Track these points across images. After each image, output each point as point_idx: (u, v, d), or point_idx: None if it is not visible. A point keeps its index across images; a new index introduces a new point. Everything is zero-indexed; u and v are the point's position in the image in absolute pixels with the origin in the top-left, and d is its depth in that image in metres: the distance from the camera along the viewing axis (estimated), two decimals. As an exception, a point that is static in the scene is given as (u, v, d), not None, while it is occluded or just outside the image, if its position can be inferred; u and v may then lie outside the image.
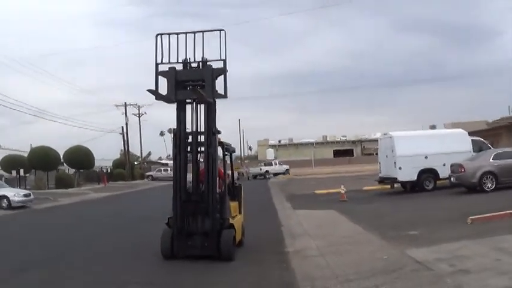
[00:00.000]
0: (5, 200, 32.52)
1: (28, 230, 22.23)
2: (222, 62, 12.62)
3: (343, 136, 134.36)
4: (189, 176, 12.95)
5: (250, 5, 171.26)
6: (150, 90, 12.44)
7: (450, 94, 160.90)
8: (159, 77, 12.75)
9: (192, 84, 12.51)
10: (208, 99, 12.31)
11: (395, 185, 30.05)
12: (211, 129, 12.39)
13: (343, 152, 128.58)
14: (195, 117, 12.69)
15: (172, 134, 12.99)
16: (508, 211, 15.34)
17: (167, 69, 12.67)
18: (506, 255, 10.08)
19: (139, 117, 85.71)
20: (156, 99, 12.72)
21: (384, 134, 31.27)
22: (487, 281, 8.50)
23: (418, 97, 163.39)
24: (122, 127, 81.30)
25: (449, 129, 34.96)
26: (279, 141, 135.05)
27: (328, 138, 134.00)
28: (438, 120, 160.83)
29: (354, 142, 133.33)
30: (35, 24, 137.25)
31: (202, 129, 12.62)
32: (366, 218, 18.20)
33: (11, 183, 41.96)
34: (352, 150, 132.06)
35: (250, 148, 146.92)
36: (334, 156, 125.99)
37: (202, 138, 12.69)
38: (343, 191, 27.43)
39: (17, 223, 25.45)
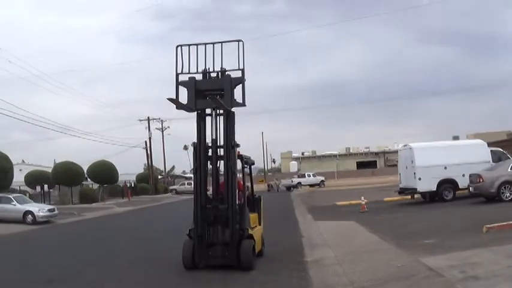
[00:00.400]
0: (29, 215, 33.00)
1: (53, 244, 22.70)
2: (241, 71, 13.00)
3: (366, 148, 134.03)
4: (210, 188, 13.44)
5: (272, 19, 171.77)
6: (170, 99, 12.84)
7: (474, 105, 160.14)
8: (180, 86, 13.18)
9: (211, 94, 12.91)
10: (227, 107, 12.74)
11: (416, 196, 30.21)
12: (230, 143, 12.80)
13: (367, 164, 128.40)
14: (214, 130, 13.10)
15: (193, 148, 13.39)
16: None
17: (187, 79, 13.09)
18: (517, 262, 10.37)
19: (162, 131, 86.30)
20: (177, 108, 13.12)
21: (404, 146, 31.55)
22: (496, 287, 8.81)
23: (442, 108, 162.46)
24: (145, 142, 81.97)
25: (468, 140, 35.24)
26: (302, 154, 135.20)
27: (351, 150, 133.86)
28: (462, 131, 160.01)
29: (377, 154, 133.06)
30: (59, 40, 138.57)
31: (222, 143, 13.06)
32: (384, 228, 18.48)
33: (35, 198, 42.56)
34: (375, 162, 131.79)
35: (273, 161, 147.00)
36: (357, 168, 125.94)
37: (222, 151, 13.12)
38: (363, 202, 27.76)
39: (42, 238, 25.90)
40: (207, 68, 13.14)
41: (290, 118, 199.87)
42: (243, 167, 14.70)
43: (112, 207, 50.14)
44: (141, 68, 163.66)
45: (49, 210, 34.59)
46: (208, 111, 13.21)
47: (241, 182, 14.18)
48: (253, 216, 14.06)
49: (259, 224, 14.84)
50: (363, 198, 28.36)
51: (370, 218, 23.53)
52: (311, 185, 78.24)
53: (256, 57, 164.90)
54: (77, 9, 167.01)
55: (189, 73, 13.18)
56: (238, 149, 13.19)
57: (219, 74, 13.14)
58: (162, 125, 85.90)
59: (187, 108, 13.05)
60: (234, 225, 12.57)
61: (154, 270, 13.72)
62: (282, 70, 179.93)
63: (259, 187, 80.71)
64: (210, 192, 13.38)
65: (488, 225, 15.14)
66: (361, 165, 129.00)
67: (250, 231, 13.04)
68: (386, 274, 10.91)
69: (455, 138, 61.53)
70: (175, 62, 13.20)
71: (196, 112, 13.17)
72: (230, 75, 13.01)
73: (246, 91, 12.89)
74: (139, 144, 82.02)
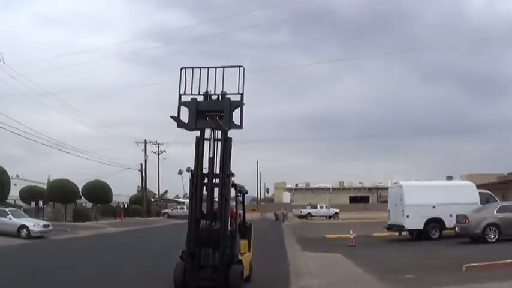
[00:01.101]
0: (24, 230, 33.64)
1: (46, 259, 23.25)
2: (240, 95, 13.75)
3: (359, 183, 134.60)
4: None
5: (274, 48, 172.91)
6: (173, 117, 13.58)
7: (469, 145, 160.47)
8: (182, 107, 13.89)
9: (211, 115, 13.63)
10: (226, 128, 13.50)
11: (404, 233, 30.77)
12: (225, 172, 13.51)
13: (359, 199, 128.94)
14: (212, 153, 13.81)
15: (190, 173, 14.06)
16: (501, 261, 16.25)
17: (189, 100, 13.81)
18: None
19: (158, 154, 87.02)
20: (178, 126, 13.83)
21: (395, 183, 32.31)
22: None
23: (437, 147, 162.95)
24: (141, 164, 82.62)
25: (457, 181, 35.92)
26: (296, 185, 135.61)
27: (345, 184, 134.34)
28: (456, 171, 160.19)
29: (370, 189, 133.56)
30: (59, 56, 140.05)
31: (218, 171, 13.78)
32: (369, 262, 19.09)
33: (29, 214, 43.01)
34: (368, 197, 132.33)
35: (267, 190, 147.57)
36: (350, 203, 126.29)
37: (217, 179, 13.83)
38: (351, 236, 28.38)
39: (36, 252, 26.45)
40: (209, 90, 13.87)
41: (286, 148, 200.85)
42: (236, 196, 15.37)
43: (105, 227, 50.63)
44: (140, 90, 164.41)
45: (44, 226, 35.20)
46: (207, 135, 13.91)
47: (234, 210, 14.86)
48: (243, 242, 14.73)
49: (249, 251, 15.47)
50: (351, 232, 28.99)
51: (357, 251, 24.08)
52: (327, 217, 77.91)
53: (256, 86, 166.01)
54: (78, 27, 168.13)
55: (191, 94, 13.86)
56: (232, 178, 13.91)
57: (219, 96, 13.86)
58: (158, 148, 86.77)
59: (188, 127, 13.73)
60: (225, 249, 13.19)
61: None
62: (280, 100, 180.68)
63: (251, 216, 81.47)
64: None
65: (468, 265, 15.79)
66: (353, 199, 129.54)
67: (239, 257, 13.69)
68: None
69: (449, 178, 61.54)
70: (178, 83, 13.95)
71: (195, 137, 13.87)
72: (230, 98, 13.73)
73: (244, 115, 13.62)
74: (135, 166, 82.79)
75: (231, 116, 13.60)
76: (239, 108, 13.72)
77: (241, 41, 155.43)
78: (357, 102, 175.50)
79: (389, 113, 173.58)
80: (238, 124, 13.67)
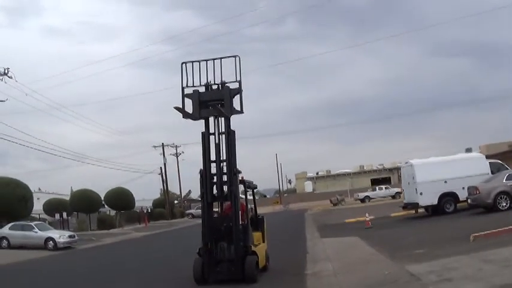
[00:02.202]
0: (51, 242, 34.62)
1: (75, 267, 24.09)
2: (238, 83, 14.63)
3: (379, 164, 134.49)
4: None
5: (284, 40, 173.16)
6: (177, 108, 14.45)
7: (488, 115, 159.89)
8: (185, 98, 14.78)
9: (213, 103, 14.41)
10: (227, 114, 14.27)
11: (420, 210, 31.39)
12: (232, 170, 14.23)
13: (381, 181, 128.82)
14: (217, 152, 14.55)
15: (199, 174, 14.81)
16: (506, 227, 16.79)
17: (192, 92, 14.68)
18: (489, 265, 11.54)
19: (177, 156, 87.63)
20: (183, 117, 14.73)
21: (405, 163, 32.83)
22: (463, 287, 10.08)
23: (454, 120, 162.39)
24: (161, 167, 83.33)
25: (466, 154, 36.36)
26: (317, 173, 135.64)
27: (365, 168, 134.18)
28: (476, 141, 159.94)
29: (390, 170, 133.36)
30: (70, 67, 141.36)
31: (225, 170, 14.51)
32: (383, 242, 19.70)
33: (54, 226, 43.91)
34: (389, 178, 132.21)
35: (289, 181, 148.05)
36: (371, 185, 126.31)
37: (226, 177, 14.57)
38: (367, 219, 29.00)
39: (65, 262, 27.31)
40: (209, 81, 14.71)
41: (304, 138, 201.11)
42: (245, 191, 16.05)
43: (130, 233, 51.49)
44: (154, 94, 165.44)
45: (69, 237, 36.10)
46: (211, 130, 14.68)
47: (244, 205, 15.57)
48: (256, 234, 15.49)
49: (263, 242, 16.19)
50: (367, 215, 29.63)
51: (373, 233, 24.78)
52: (392, 197, 75.26)
53: (269, 79, 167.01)
54: (87, 37, 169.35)
55: (193, 86, 14.75)
56: (240, 175, 14.64)
57: (220, 86, 14.72)
58: (176, 150, 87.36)
59: (192, 116, 14.60)
60: (238, 243, 13.92)
61: (169, 286, 15.16)
62: (295, 90, 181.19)
63: (274, 208, 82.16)
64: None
65: (475, 234, 16.34)
66: (375, 182, 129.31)
67: (253, 248, 14.43)
68: (373, 281, 12.18)
69: (468, 150, 62.18)
70: (180, 77, 14.79)
71: (201, 132, 14.70)
72: (229, 86, 14.61)
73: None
74: (155, 170, 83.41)
75: (231, 103, 14.50)
76: (238, 95, 14.60)
77: (250, 36, 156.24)
78: (371, 85, 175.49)
79: (404, 92, 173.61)
80: (239, 110, 14.48)
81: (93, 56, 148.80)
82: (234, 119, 14.60)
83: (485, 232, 16.61)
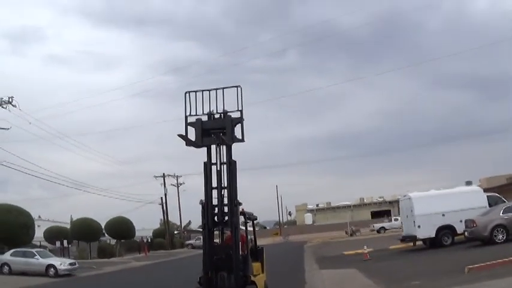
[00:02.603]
0: (52, 269, 34.96)
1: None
2: (239, 112, 14.98)
3: (380, 197, 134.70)
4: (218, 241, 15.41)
5: (285, 72, 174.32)
6: (180, 135, 14.93)
7: (488, 148, 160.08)
8: (188, 127, 15.10)
9: (215, 132, 14.79)
10: (229, 142, 14.69)
11: (418, 242, 31.58)
12: (233, 202, 14.62)
13: (381, 213, 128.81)
14: (219, 182, 14.95)
15: (201, 206, 15.21)
16: (500, 260, 17.17)
17: (195, 120, 15.06)
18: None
19: (177, 187, 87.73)
20: (186, 144, 15.12)
21: (404, 196, 33.20)
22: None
23: (455, 153, 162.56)
24: (161, 198, 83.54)
25: (464, 187, 36.63)
26: (317, 206, 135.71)
27: (365, 200, 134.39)
28: (476, 174, 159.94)
29: (390, 202, 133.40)
30: (71, 96, 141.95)
31: (226, 201, 14.91)
32: (380, 274, 20.04)
33: (54, 253, 44.15)
34: (389, 211, 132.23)
35: (289, 213, 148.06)
36: (372, 218, 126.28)
37: (226, 208, 14.98)
38: (366, 251, 29.32)
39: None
40: (212, 110, 15.13)
41: (305, 170, 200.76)
42: (245, 222, 16.43)
43: (130, 262, 51.63)
44: (155, 124, 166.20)
45: (70, 264, 36.42)
46: (213, 158, 15.07)
47: (244, 235, 15.96)
48: (256, 265, 15.82)
49: (262, 272, 16.52)
50: (365, 247, 29.94)
51: (371, 265, 25.09)
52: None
53: (271, 110, 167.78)
54: (88, 66, 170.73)
55: (196, 115, 15.10)
56: (241, 207, 15.05)
57: (222, 115, 15.10)
58: (177, 180, 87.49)
59: (195, 144, 15.01)
60: (238, 272, 14.24)
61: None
62: (296, 122, 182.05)
63: (274, 239, 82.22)
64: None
65: (470, 266, 16.72)
66: (375, 214, 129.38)
67: (253, 278, 14.76)
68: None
69: (468, 183, 62.47)
70: (184, 105, 15.27)
71: (203, 162, 14.92)
72: (231, 116, 15.00)
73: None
74: (155, 200, 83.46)
75: (233, 131, 14.82)
76: (240, 124, 14.92)
77: (252, 67, 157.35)
78: (371, 118, 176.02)
79: (404, 125, 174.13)
80: (240, 138, 14.97)
81: (94, 84, 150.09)
82: (236, 149, 15.06)
83: (480, 264, 16.99)
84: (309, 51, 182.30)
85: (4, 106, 41.93)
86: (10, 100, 41.90)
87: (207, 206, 14.75)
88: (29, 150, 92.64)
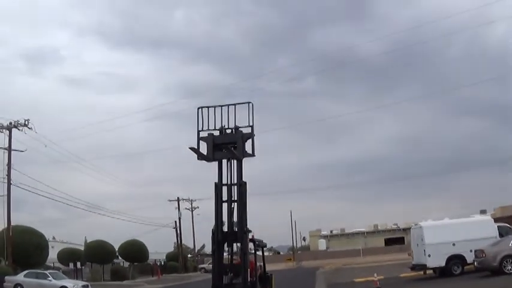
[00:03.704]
0: (64, 290, 35.27)
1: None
2: (250, 128, 15.61)
3: (394, 224, 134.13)
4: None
5: (303, 96, 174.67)
6: (192, 149, 15.41)
7: (504, 177, 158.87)
8: (200, 141, 15.72)
9: (226, 146, 15.33)
10: (239, 157, 15.19)
11: (428, 271, 31.66)
12: (242, 229, 15.01)
13: (395, 240, 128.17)
14: (229, 202, 15.37)
15: (212, 233, 15.60)
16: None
17: (207, 135, 15.64)
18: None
19: (192, 211, 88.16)
20: (198, 158, 15.68)
21: (415, 225, 33.40)
22: None
23: (472, 181, 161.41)
24: (175, 221, 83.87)
25: (475, 217, 36.60)
26: (331, 232, 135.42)
27: (379, 227, 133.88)
28: (490, 204, 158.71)
29: (404, 230, 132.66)
30: (86, 117, 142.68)
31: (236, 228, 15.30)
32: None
33: (67, 275, 44.56)
34: (403, 238, 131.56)
35: (303, 239, 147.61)
36: (385, 245, 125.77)
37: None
38: (376, 279, 29.50)
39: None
40: (223, 125, 15.68)
41: (320, 195, 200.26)
42: (255, 249, 16.81)
43: (142, 285, 51.96)
44: (171, 147, 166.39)
45: (83, 286, 36.87)
46: (224, 173, 15.54)
47: (253, 262, 16.31)
48: (264, 291, 16.18)
49: (271, 298, 16.88)
50: (375, 275, 30.10)
51: (380, 293, 25.32)
52: None
53: (287, 136, 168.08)
54: (105, 88, 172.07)
55: (208, 130, 15.75)
56: (250, 234, 15.42)
57: (233, 130, 15.68)
58: (191, 204, 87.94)
59: (206, 158, 15.54)
60: (247, 298, 14.64)
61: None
62: (311, 147, 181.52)
63: (287, 265, 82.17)
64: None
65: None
66: (389, 241, 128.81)
67: (260, 304, 15.13)
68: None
69: (483, 212, 62.63)
70: (196, 120, 15.83)
71: (214, 183, 15.50)
72: (242, 131, 15.60)
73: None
74: (169, 224, 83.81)
75: (244, 146, 15.47)
76: (250, 140, 15.59)
77: (269, 91, 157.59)
78: (387, 144, 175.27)
79: (421, 151, 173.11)
80: (251, 153, 15.41)
81: (110, 107, 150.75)
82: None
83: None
84: (327, 77, 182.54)
85: (20, 129, 42.69)
86: (26, 123, 42.68)
87: (217, 234, 15.13)
88: (45, 172, 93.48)
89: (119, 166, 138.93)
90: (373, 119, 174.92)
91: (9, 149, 42.35)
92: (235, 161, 15.47)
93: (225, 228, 15.35)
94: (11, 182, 42.11)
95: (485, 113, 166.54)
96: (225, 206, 15.39)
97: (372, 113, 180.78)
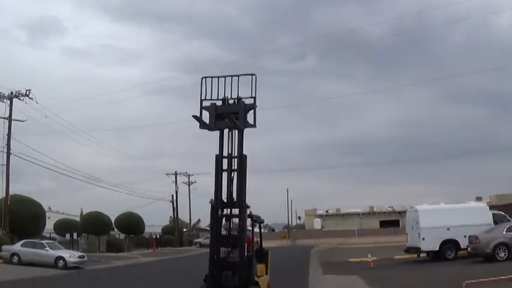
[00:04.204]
0: (61, 261, 35.43)
1: (84, 286, 24.99)
2: (253, 99, 15.68)
3: (389, 207, 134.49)
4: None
5: (303, 75, 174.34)
6: (195, 117, 15.59)
7: (501, 165, 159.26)
8: (203, 111, 15.75)
9: (228, 116, 15.45)
10: (241, 127, 15.32)
11: (422, 254, 32.01)
12: (241, 204, 15.21)
13: (390, 223, 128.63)
14: (229, 175, 15.59)
15: (210, 206, 15.81)
16: (499, 277, 17.65)
17: (209, 105, 15.74)
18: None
19: (189, 185, 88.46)
20: (200, 127, 15.76)
21: (411, 208, 33.70)
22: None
23: (469, 167, 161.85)
24: (172, 195, 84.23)
25: (471, 204, 36.87)
26: (327, 211, 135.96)
27: (375, 209, 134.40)
28: (487, 191, 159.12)
29: (399, 213, 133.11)
30: (85, 89, 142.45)
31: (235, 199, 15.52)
32: (381, 282, 20.57)
33: (63, 245, 44.69)
34: (398, 221, 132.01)
35: (299, 217, 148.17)
36: (380, 227, 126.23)
37: (234, 210, 15.59)
38: (370, 259, 29.82)
39: (74, 281, 28.23)
40: (226, 95, 15.79)
41: (317, 175, 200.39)
42: (252, 225, 17.01)
43: (138, 257, 52.12)
44: (170, 121, 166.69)
45: (79, 257, 36.99)
46: (225, 153, 15.59)
47: (251, 237, 16.52)
48: (260, 266, 16.37)
49: (266, 274, 17.07)
50: (369, 255, 30.44)
51: (374, 273, 25.69)
52: None
53: (286, 114, 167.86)
54: (106, 60, 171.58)
55: (211, 99, 15.79)
56: (249, 210, 15.62)
57: (235, 100, 15.76)
58: (189, 179, 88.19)
59: (208, 126, 15.64)
60: (243, 273, 14.83)
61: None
62: (310, 126, 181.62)
63: (281, 243, 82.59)
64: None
65: (468, 281, 17.21)
66: (384, 223, 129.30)
67: (256, 279, 15.33)
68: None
69: (478, 199, 62.93)
70: (200, 90, 15.91)
71: (215, 155, 15.47)
72: (244, 102, 15.68)
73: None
74: (166, 198, 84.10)
75: (245, 116, 15.53)
76: (252, 110, 15.61)
77: (269, 69, 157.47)
78: (387, 127, 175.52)
79: (420, 136, 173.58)
80: (252, 124, 15.60)
81: (111, 79, 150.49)
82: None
83: (478, 280, 17.46)
84: (329, 58, 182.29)
85: (21, 99, 42.73)
86: (27, 93, 42.68)
87: (216, 208, 15.33)
88: (44, 143, 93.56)
89: (117, 139, 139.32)
90: (373, 102, 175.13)
91: (9, 118, 42.37)
92: (236, 132, 15.66)
93: (224, 199, 15.56)
94: (10, 151, 42.21)
95: (486, 102, 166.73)
96: (224, 179, 15.56)
97: (373, 95, 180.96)
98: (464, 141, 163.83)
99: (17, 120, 42.84)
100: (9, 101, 42.48)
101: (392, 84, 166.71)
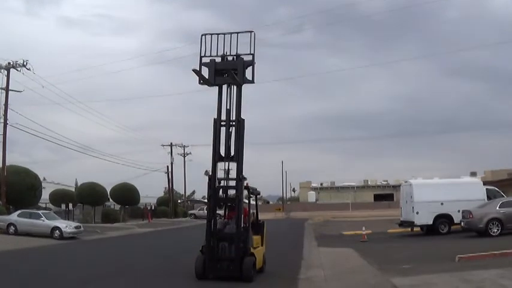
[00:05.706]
0: (57, 231, 35.56)
1: (80, 256, 25.16)
2: (251, 56, 16.11)
3: (384, 180, 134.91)
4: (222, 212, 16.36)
5: (299, 48, 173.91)
6: (195, 71, 15.90)
7: (497, 141, 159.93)
8: (202, 67, 16.15)
9: (228, 71, 15.88)
10: (240, 82, 15.75)
11: (416, 228, 32.32)
12: (238, 176, 15.40)
13: (384, 197, 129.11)
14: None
15: (207, 177, 16.00)
16: (492, 252, 17.90)
17: (209, 61, 16.17)
18: (465, 284, 12.61)
19: (184, 156, 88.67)
20: (199, 82, 16.18)
21: (405, 182, 33.91)
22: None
23: (465, 143, 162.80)
24: (167, 166, 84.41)
25: (465, 179, 37.14)
26: (321, 184, 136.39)
27: (369, 182, 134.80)
28: (483, 166, 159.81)
29: (394, 187, 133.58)
30: (83, 60, 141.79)
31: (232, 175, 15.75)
32: (374, 255, 20.78)
33: (59, 216, 44.74)
34: (392, 195, 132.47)
35: (293, 190, 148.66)
36: (374, 200, 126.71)
37: (231, 182, 15.81)
38: (364, 232, 30.11)
39: (70, 251, 28.43)
40: (225, 52, 16.15)
41: (312, 148, 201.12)
42: (249, 197, 17.23)
43: (133, 228, 52.48)
44: (166, 92, 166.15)
45: (75, 227, 37.15)
46: (223, 116, 15.96)
47: (247, 209, 16.73)
48: (256, 238, 16.59)
49: (262, 245, 17.29)
50: (364, 228, 30.75)
51: (367, 246, 25.99)
52: None
53: (281, 86, 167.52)
54: (103, 30, 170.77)
55: (210, 56, 16.23)
56: (245, 181, 15.82)
57: (234, 57, 16.16)
58: (184, 150, 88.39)
59: (207, 81, 16.02)
60: (239, 243, 15.07)
61: (170, 279, 16.32)
62: (306, 99, 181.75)
63: (276, 215, 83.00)
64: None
65: (461, 256, 17.46)
66: (378, 197, 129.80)
67: (252, 250, 15.56)
68: (359, 289, 13.35)
69: (473, 174, 63.27)
70: (199, 46, 16.32)
71: (213, 119, 15.96)
72: (243, 58, 16.10)
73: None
74: (161, 169, 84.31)
75: (244, 73, 15.98)
76: (251, 67, 16.07)
77: (265, 40, 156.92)
78: (383, 101, 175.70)
79: (416, 110, 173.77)
80: (250, 79, 15.87)
81: (108, 49, 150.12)
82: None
83: (470, 255, 17.72)
84: (327, 31, 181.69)
85: (18, 69, 42.61)
86: (25, 63, 42.56)
87: (213, 179, 15.51)
88: (41, 113, 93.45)
89: (114, 110, 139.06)
90: (370, 76, 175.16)
91: (6, 89, 42.25)
92: (235, 88, 15.89)
93: (222, 153, 15.83)
94: (7, 122, 42.17)
95: (483, 77, 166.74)
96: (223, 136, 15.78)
97: (370, 69, 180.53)
98: (461, 117, 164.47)
99: (14, 90, 42.72)
100: (6, 72, 42.29)
101: (390, 59, 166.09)
